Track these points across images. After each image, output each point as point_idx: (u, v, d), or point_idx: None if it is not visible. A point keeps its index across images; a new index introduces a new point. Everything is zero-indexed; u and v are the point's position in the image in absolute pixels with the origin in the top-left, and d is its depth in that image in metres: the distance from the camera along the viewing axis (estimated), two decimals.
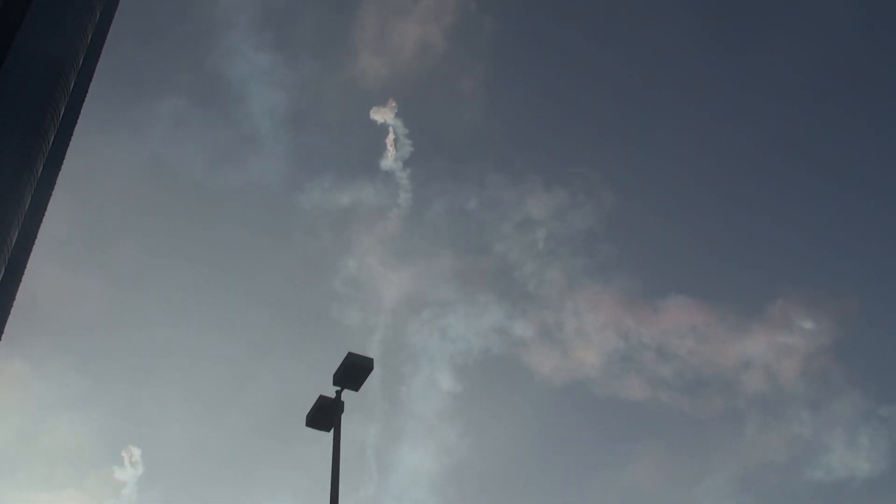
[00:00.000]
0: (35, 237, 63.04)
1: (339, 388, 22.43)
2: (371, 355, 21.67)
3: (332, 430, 22.47)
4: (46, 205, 64.48)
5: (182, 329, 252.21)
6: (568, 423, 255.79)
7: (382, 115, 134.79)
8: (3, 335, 57.77)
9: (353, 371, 22.08)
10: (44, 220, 63.06)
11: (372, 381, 22.30)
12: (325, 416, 22.43)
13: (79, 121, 68.29)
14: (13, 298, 60.95)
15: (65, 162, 65.79)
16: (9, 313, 60.11)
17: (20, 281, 61.67)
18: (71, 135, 68.28)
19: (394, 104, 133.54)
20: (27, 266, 60.76)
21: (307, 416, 22.64)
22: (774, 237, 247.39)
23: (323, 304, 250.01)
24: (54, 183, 64.42)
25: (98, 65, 73.38)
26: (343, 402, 22.56)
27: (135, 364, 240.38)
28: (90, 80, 71.91)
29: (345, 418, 22.50)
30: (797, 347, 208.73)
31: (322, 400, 22.50)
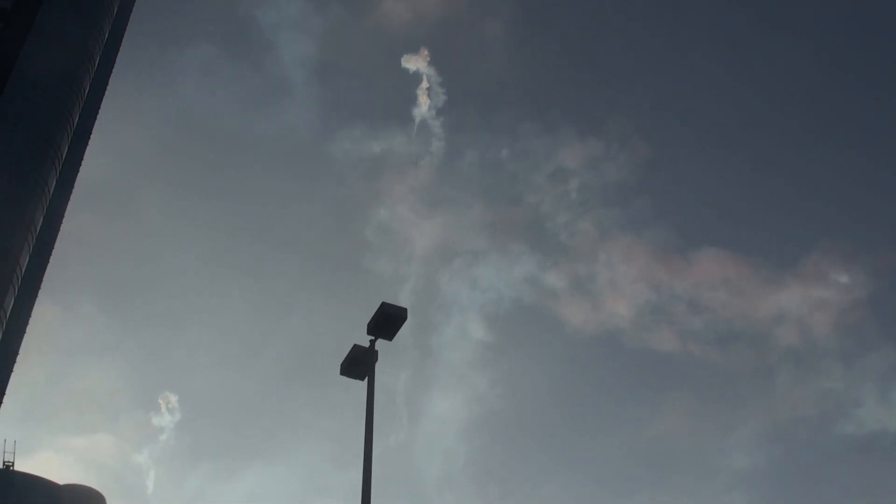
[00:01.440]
0: (72, 186, 63.72)
1: (372, 338, 22.59)
2: (403, 304, 21.77)
3: (365, 379, 22.66)
4: (83, 153, 65.06)
5: (212, 276, 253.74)
6: (597, 374, 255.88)
7: (415, 63, 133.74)
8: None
9: (387, 321, 22.21)
10: (80, 168, 63.73)
11: (403, 330, 22.46)
12: (359, 365, 22.61)
13: (113, 70, 68.60)
14: (52, 246, 61.77)
15: (100, 112, 66.18)
16: (48, 262, 60.95)
17: (59, 230, 62.46)
18: (106, 84, 68.66)
19: (426, 53, 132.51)
20: (65, 214, 61.54)
21: (341, 366, 22.82)
22: (810, 190, 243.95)
23: (354, 252, 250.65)
24: (90, 132, 64.95)
25: (131, 14, 73.54)
26: (377, 352, 22.73)
27: (164, 310, 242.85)
28: (124, 30, 72.08)
29: (377, 366, 22.70)
30: (831, 301, 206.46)
31: (356, 349, 22.67)
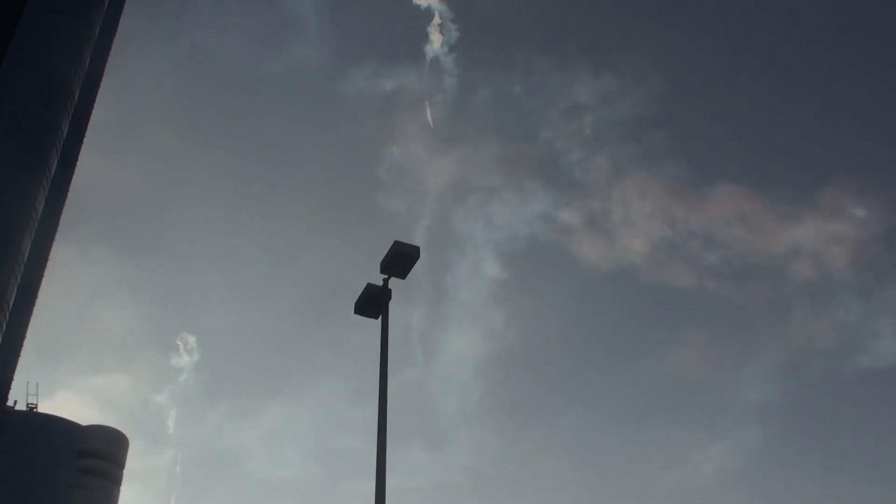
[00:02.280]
0: (85, 129, 63.51)
1: (386, 277, 22.55)
2: (416, 242, 21.70)
3: (379, 318, 22.67)
4: (95, 97, 64.73)
5: (224, 216, 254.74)
6: (612, 310, 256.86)
7: None
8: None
9: (400, 259, 22.15)
10: (93, 110, 63.48)
11: (418, 268, 22.41)
12: (372, 304, 22.61)
13: (124, 8, 67.95)
14: (67, 190, 61.79)
15: (111, 54, 65.69)
16: (63, 205, 61.00)
17: (73, 173, 62.42)
18: (116, 26, 68.04)
19: None
20: (79, 158, 61.48)
21: (355, 305, 22.85)
22: (827, 123, 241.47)
23: (367, 191, 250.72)
24: (102, 74, 64.54)
25: None
26: (390, 291, 22.70)
27: (177, 251, 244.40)
28: None
29: (392, 304, 22.71)
30: (848, 235, 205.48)
31: (370, 288, 22.66)
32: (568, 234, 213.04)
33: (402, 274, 22.42)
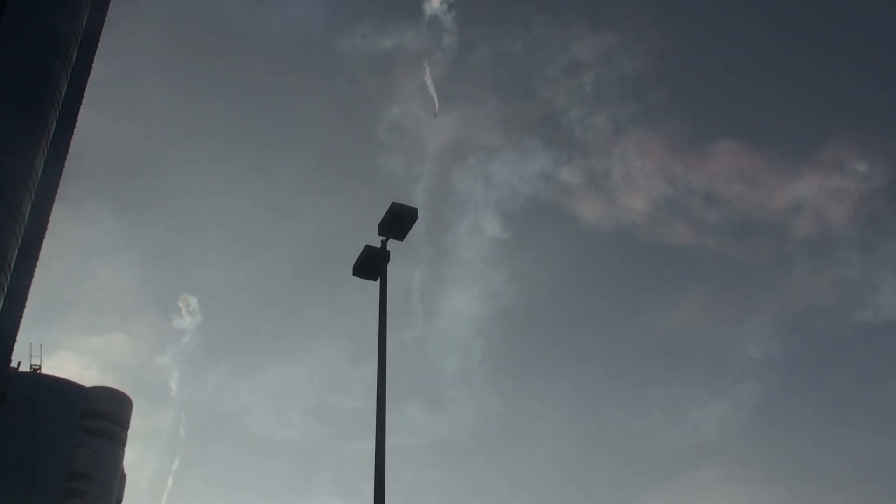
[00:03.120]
0: (84, 88, 62.93)
1: (384, 238, 22.22)
2: (416, 203, 21.42)
3: (378, 280, 22.38)
4: (94, 55, 64.07)
5: (221, 175, 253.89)
6: (612, 269, 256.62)
7: None
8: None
9: (398, 221, 21.82)
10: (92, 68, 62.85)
11: (418, 228, 22.08)
12: (371, 265, 22.31)
13: None
14: (66, 151, 61.35)
15: (108, 11, 64.92)
16: (63, 167, 60.59)
17: (72, 134, 61.94)
18: None
19: None
20: (78, 115, 60.97)
21: (354, 266, 22.56)
22: (827, 77, 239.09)
23: (366, 151, 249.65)
24: (100, 31, 63.84)
25: None
26: (389, 252, 22.38)
27: (175, 209, 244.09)
28: None
29: (392, 264, 22.46)
30: (849, 190, 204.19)
31: (368, 250, 22.35)
32: (568, 193, 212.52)
33: (401, 235, 22.10)
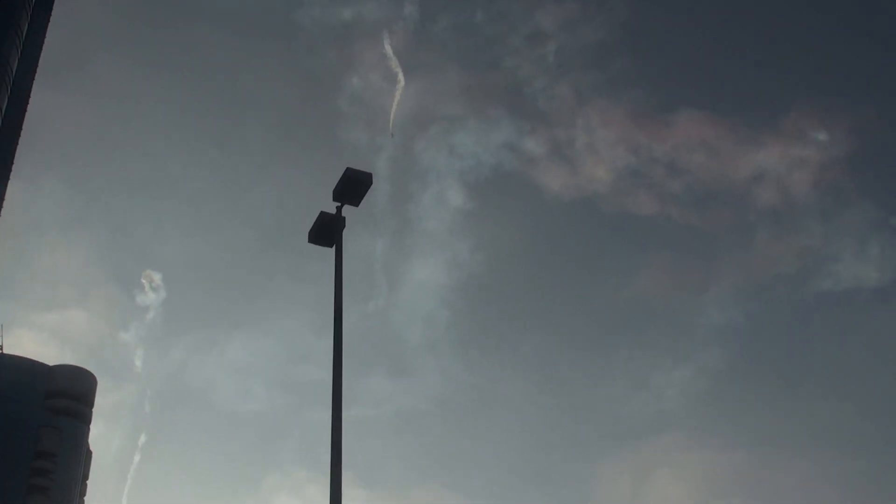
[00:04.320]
0: (37, 63, 62.08)
1: (339, 204, 22.23)
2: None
3: (334, 246, 22.42)
4: (46, 29, 63.16)
5: (178, 147, 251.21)
6: (576, 238, 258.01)
7: None
8: None
9: (353, 186, 21.81)
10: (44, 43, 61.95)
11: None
12: (326, 232, 22.31)
13: None
14: (21, 127, 60.60)
15: None
16: (17, 143, 59.86)
17: (26, 110, 61.16)
18: None
19: None
20: (31, 92, 60.15)
21: (309, 233, 22.56)
22: (788, 47, 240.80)
23: (328, 122, 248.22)
24: (51, 6, 62.89)
25: None
26: (344, 218, 22.39)
27: (129, 181, 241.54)
28: None
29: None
30: (810, 159, 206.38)
31: (323, 216, 22.35)
32: (532, 163, 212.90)
33: (356, 201, 22.09)
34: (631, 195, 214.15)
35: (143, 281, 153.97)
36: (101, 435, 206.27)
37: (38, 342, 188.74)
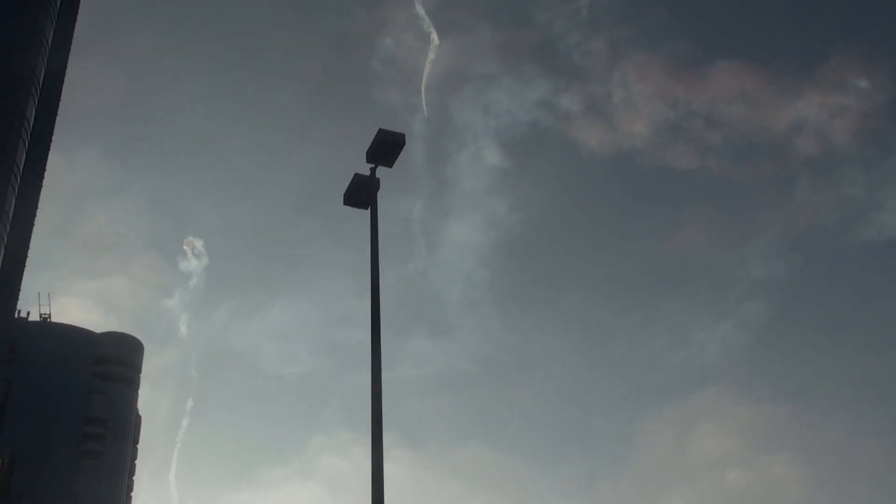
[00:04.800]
0: (72, 33, 62.48)
1: (372, 166, 22.32)
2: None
3: (369, 208, 22.52)
4: (79, 1, 63.50)
5: (213, 113, 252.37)
6: (614, 194, 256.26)
7: None
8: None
9: (386, 147, 21.88)
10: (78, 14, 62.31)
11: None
12: (360, 194, 22.44)
13: None
14: (59, 99, 61.18)
15: None
16: (56, 114, 60.48)
17: (63, 81, 61.67)
18: None
19: None
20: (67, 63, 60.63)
21: (344, 195, 22.69)
22: None
23: (361, 84, 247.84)
24: None
25: None
26: (378, 180, 22.49)
27: (166, 150, 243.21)
28: None
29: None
30: (851, 107, 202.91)
31: (357, 178, 22.46)
32: (568, 120, 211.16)
33: (389, 162, 22.15)
34: (669, 149, 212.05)
35: (186, 248, 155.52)
36: (149, 400, 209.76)
37: (83, 309, 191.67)
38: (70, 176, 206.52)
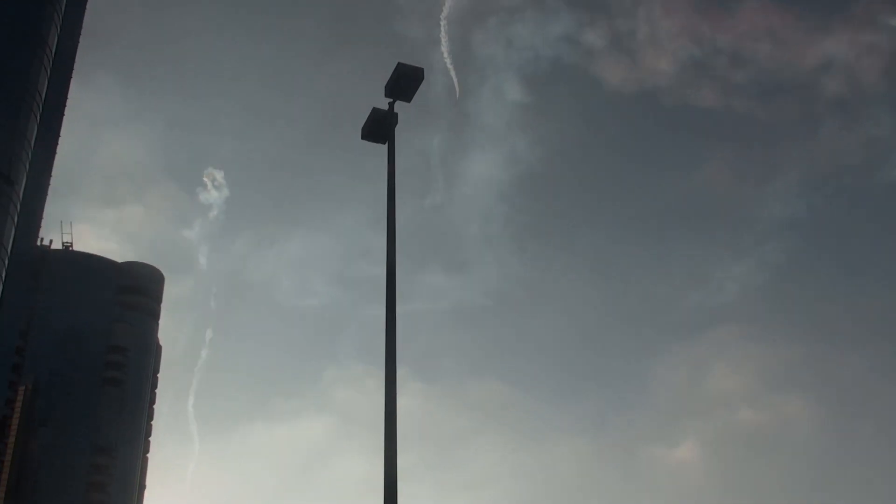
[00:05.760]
0: None
1: (391, 100, 22.02)
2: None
3: (386, 143, 22.31)
4: None
5: (229, 40, 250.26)
6: (636, 132, 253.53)
7: None
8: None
9: (404, 82, 21.53)
10: None
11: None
12: (379, 128, 22.18)
13: None
14: (80, 26, 60.89)
15: None
16: (77, 42, 60.23)
17: (84, 10, 61.32)
18: None
19: None
20: None
21: (362, 130, 22.47)
22: None
23: (383, 17, 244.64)
24: None
25: None
26: (397, 114, 22.20)
27: (182, 79, 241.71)
28: None
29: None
30: (881, 46, 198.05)
31: (375, 112, 22.19)
32: (591, 56, 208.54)
33: (408, 97, 21.82)
34: (693, 87, 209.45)
35: (206, 180, 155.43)
36: (169, 330, 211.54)
37: (99, 237, 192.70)
38: (86, 103, 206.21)
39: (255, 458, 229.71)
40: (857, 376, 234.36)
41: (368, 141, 22.52)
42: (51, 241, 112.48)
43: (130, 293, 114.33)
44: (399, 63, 21.29)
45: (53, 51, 56.80)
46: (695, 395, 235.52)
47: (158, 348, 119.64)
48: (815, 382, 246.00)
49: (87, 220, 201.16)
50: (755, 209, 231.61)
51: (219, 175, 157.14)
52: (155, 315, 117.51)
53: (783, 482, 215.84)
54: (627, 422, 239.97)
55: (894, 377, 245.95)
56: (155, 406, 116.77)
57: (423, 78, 21.59)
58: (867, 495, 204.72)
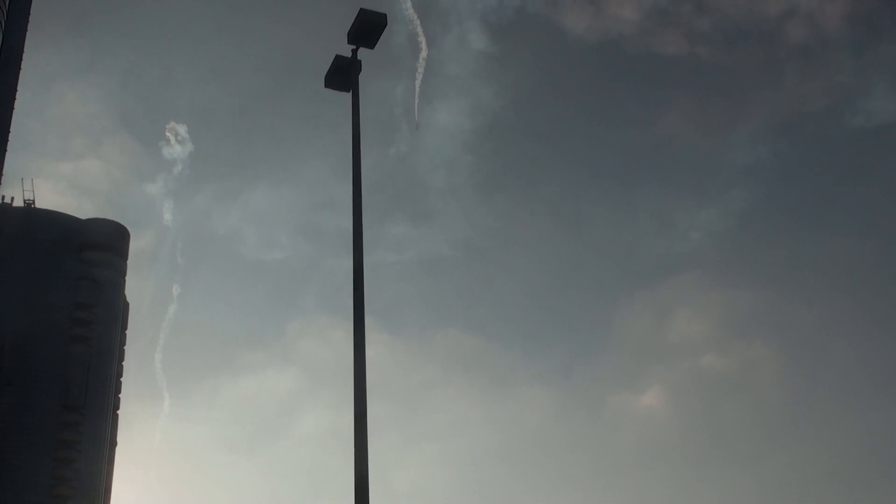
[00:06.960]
0: None
1: (354, 47, 21.68)
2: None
3: (350, 91, 21.99)
4: None
5: None
6: (600, 80, 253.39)
7: None
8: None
9: (367, 28, 21.20)
10: None
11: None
12: (342, 76, 21.86)
13: None
14: None
15: None
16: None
17: None
18: None
19: None
20: None
21: (325, 78, 22.13)
22: None
23: None
24: None
25: None
26: (360, 62, 21.88)
27: (136, 26, 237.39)
28: None
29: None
30: None
31: (338, 60, 21.86)
32: (555, 4, 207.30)
33: (371, 44, 21.52)
34: (657, 35, 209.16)
35: (168, 134, 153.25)
36: (135, 287, 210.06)
37: (56, 192, 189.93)
38: (36, 53, 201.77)
39: (224, 410, 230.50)
40: (820, 322, 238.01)
41: (332, 89, 22.21)
42: (12, 199, 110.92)
43: (95, 249, 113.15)
44: (361, 9, 20.96)
45: (8, 3, 55.46)
46: (660, 342, 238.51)
47: (126, 305, 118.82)
48: (778, 328, 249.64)
49: (44, 175, 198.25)
50: (719, 156, 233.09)
51: (181, 129, 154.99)
52: (121, 272, 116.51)
53: (748, 427, 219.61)
54: (594, 369, 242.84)
55: (857, 322, 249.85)
56: (124, 363, 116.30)
57: (385, 24, 21.27)
58: (829, 438, 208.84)
